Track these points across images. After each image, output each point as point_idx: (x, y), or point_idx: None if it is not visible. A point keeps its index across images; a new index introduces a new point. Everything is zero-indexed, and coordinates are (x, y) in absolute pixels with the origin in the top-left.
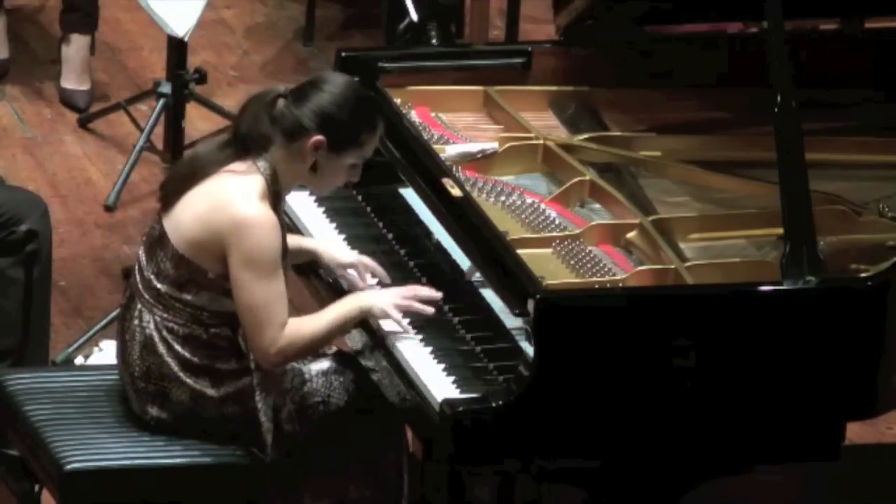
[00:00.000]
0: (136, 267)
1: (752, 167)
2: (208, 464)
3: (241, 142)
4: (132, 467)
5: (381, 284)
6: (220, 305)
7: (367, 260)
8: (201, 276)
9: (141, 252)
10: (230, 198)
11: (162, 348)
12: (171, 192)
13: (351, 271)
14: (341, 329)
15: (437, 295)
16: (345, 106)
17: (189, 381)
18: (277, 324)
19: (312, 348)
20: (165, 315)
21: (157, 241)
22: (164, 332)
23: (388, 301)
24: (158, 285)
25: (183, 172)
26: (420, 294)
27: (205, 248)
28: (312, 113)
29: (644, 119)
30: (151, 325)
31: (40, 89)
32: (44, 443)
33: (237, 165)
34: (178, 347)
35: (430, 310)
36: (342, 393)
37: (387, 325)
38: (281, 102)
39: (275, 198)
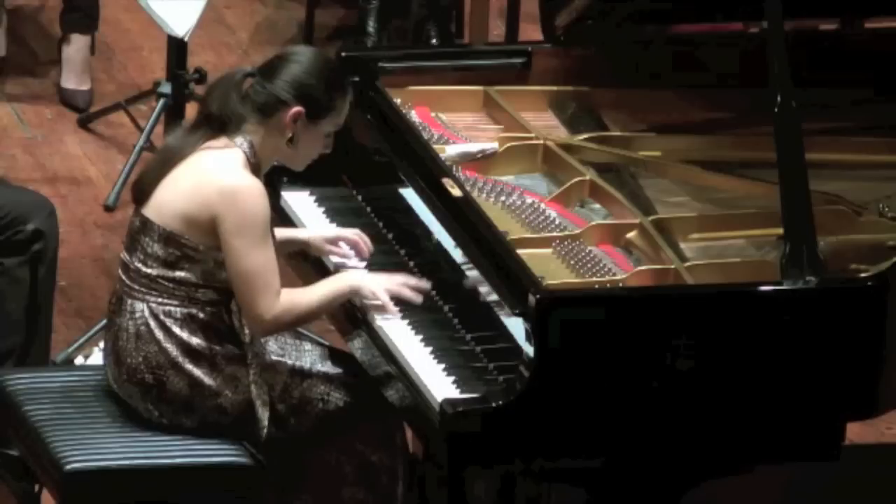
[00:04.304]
0: (120, 270)
1: (752, 167)
2: (208, 464)
3: (214, 121)
4: (132, 467)
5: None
6: (214, 279)
7: (350, 232)
8: (192, 250)
9: (122, 254)
10: (215, 169)
11: (159, 334)
12: (145, 186)
13: (337, 247)
14: (331, 304)
15: (426, 285)
16: (318, 74)
17: (188, 366)
18: (272, 291)
19: (304, 320)
20: (160, 299)
21: (139, 230)
22: (162, 317)
23: (379, 283)
24: (148, 270)
25: (157, 165)
26: (410, 282)
27: (193, 221)
28: (288, 85)
29: (644, 119)
30: (146, 312)
31: (40, 89)
32: (44, 443)
33: (214, 143)
34: (176, 330)
35: (418, 298)
36: (342, 395)
37: (385, 321)
38: (250, 81)
39: (254, 171)
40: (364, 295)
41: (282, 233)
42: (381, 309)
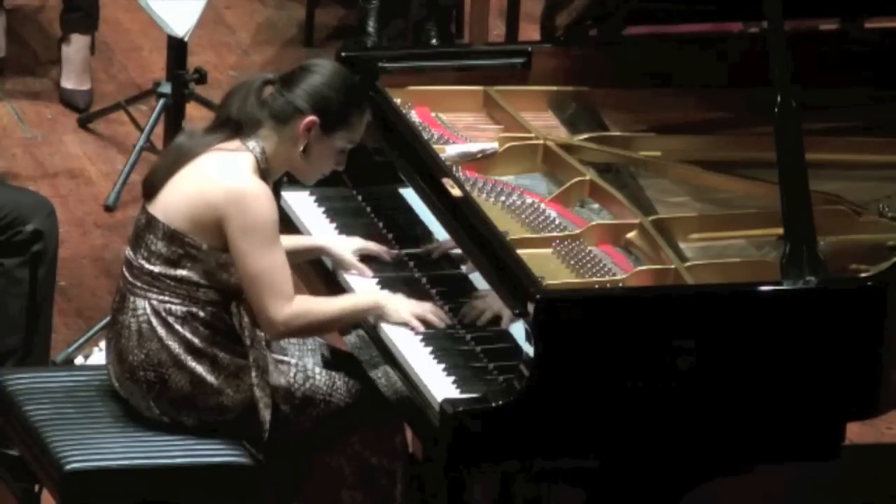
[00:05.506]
0: (124, 268)
1: (752, 167)
2: (208, 464)
3: (231, 124)
4: (132, 467)
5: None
6: (215, 279)
7: (370, 245)
8: (195, 250)
9: (126, 250)
10: (223, 171)
11: (161, 331)
12: (156, 181)
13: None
14: (351, 318)
15: (448, 319)
16: (337, 87)
17: (191, 364)
18: (282, 293)
19: (319, 328)
20: (162, 297)
21: (145, 227)
22: (164, 314)
23: (405, 306)
24: (151, 267)
25: (167, 162)
26: (437, 312)
27: (198, 221)
28: (306, 94)
29: (644, 119)
30: (149, 310)
31: (40, 89)
32: (44, 443)
33: (226, 145)
34: (178, 327)
35: (441, 325)
36: (344, 394)
37: (392, 330)
38: (269, 88)
39: (263, 177)
40: (388, 314)
41: (299, 241)
42: (403, 327)
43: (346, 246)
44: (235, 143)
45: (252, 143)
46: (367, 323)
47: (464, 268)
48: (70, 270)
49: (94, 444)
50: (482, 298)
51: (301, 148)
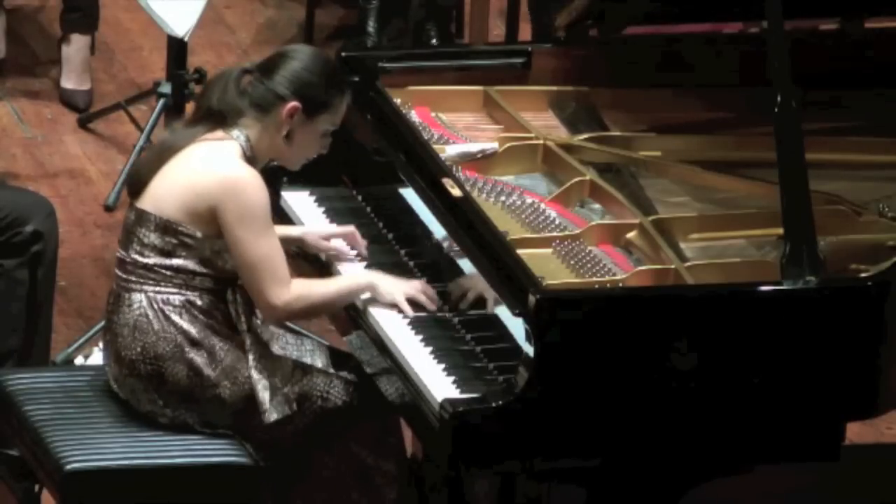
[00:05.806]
0: (116, 268)
1: (752, 167)
2: (208, 464)
3: (213, 115)
4: (132, 467)
5: (360, 257)
6: (211, 266)
7: (349, 229)
8: (189, 238)
9: (118, 251)
10: (213, 160)
11: (157, 324)
12: (141, 178)
13: (335, 241)
14: (347, 298)
15: (437, 300)
16: (317, 71)
17: (188, 355)
18: (280, 278)
19: (317, 310)
20: (158, 287)
21: (135, 223)
22: (161, 305)
23: (397, 285)
24: (145, 260)
25: (152, 158)
26: (428, 291)
27: (191, 210)
28: (286, 80)
29: (644, 119)
30: (145, 303)
31: (40, 89)
32: (44, 443)
33: (210, 135)
34: (175, 318)
35: (432, 306)
36: (342, 393)
37: (385, 321)
38: (248, 77)
39: (249, 164)
40: (380, 293)
41: (277, 230)
42: (393, 308)
43: (317, 234)
44: (219, 133)
45: (236, 132)
46: (365, 323)
47: (447, 248)
48: (70, 270)
49: (94, 444)
50: (468, 279)
51: (284, 134)
